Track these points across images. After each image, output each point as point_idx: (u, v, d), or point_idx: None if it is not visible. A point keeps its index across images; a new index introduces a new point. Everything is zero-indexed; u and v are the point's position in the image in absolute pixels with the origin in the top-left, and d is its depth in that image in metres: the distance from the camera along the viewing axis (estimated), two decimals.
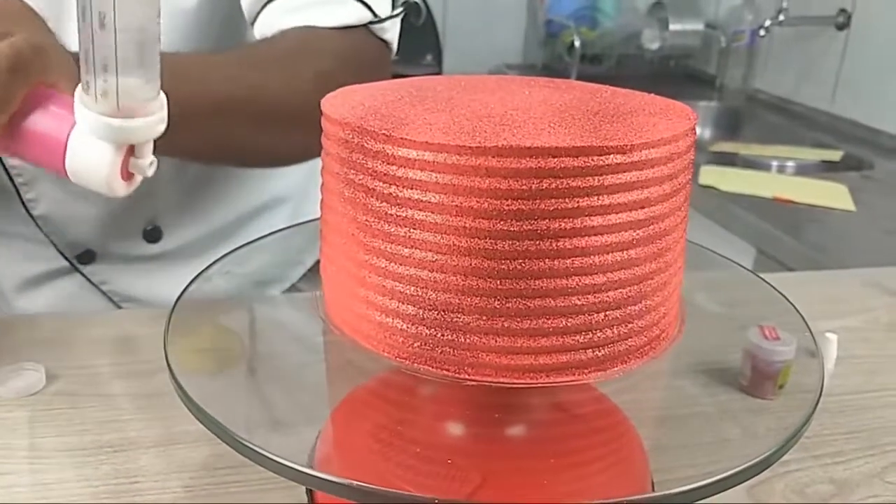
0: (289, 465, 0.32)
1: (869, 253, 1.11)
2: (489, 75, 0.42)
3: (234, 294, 0.49)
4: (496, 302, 0.32)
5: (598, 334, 0.33)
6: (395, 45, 0.67)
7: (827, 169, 1.53)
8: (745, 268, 0.53)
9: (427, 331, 0.33)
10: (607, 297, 0.32)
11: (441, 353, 0.33)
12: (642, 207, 0.32)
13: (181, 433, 0.49)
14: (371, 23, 0.63)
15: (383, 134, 0.32)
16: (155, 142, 0.40)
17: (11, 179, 0.66)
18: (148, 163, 0.39)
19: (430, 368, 0.33)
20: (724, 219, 1.25)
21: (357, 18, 0.62)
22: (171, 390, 0.36)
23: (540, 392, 0.39)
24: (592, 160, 0.30)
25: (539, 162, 0.30)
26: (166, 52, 0.38)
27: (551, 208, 0.30)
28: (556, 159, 0.30)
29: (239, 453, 0.33)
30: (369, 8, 0.62)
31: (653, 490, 0.40)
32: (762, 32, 1.84)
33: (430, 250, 0.32)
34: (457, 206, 0.31)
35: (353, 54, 0.62)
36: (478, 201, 0.31)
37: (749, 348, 0.52)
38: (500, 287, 0.31)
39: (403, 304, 0.33)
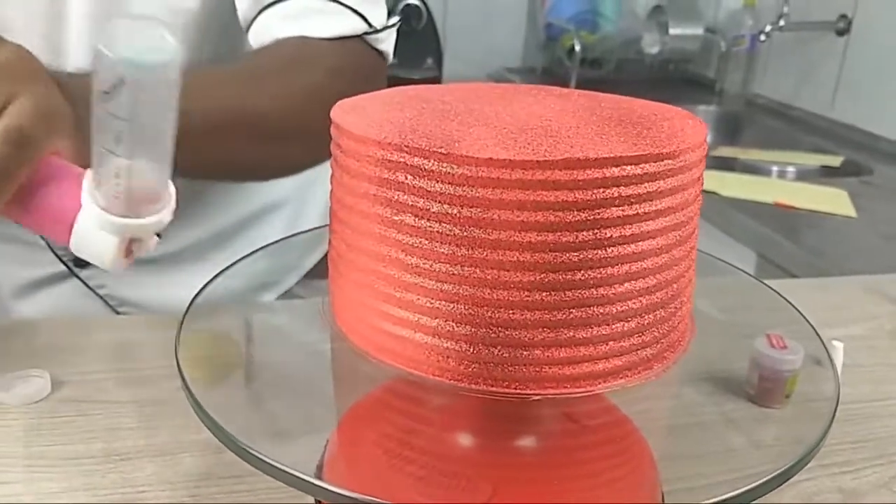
0: (298, 475, 0.32)
1: (869, 259, 1.11)
2: (486, 84, 0.42)
3: (231, 298, 0.49)
4: (559, 314, 0.32)
5: (648, 335, 0.34)
6: (390, 56, 0.67)
7: (827, 174, 1.53)
8: (749, 274, 0.53)
9: (486, 350, 0.32)
10: (656, 298, 0.33)
11: (503, 371, 0.32)
12: (682, 209, 0.34)
13: (188, 442, 0.49)
14: (366, 33, 0.63)
15: (439, 152, 0.30)
16: None
17: None
18: (152, 244, 0.40)
19: (491, 388, 0.33)
20: (724, 224, 1.25)
21: (352, 29, 0.61)
22: (178, 398, 0.36)
23: (550, 402, 0.39)
24: (650, 166, 0.31)
25: (603, 172, 0.30)
26: None
27: (614, 216, 0.31)
28: (618, 168, 0.31)
29: (248, 464, 0.33)
30: (365, 19, 0.62)
31: (662, 501, 0.40)
32: (762, 37, 1.84)
33: (493, 268, 0.31)
34: (521, 221, 0.30)
35: (347, 66, 0.61)
36: (543, 215, 0.30)
37: (756, 357, 0.52)
38: (563, 298, 0.31)
39: (459, 324, 0.32)
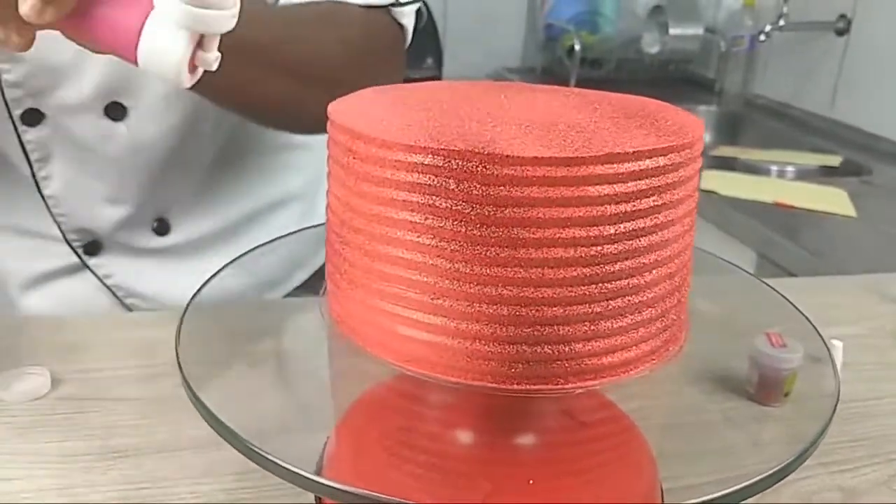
0: (299, 472, 0.32)
1: (868, 258, 1.11)
2: (477, 82, 0.42)
3: (238, 295, 0.49)
4: (598, 306, 0.32)
5: (668, 318, 0.35)
6: (409, 35, 0.70)
7: (826, 174, 1.53)
8: (748, 272, 0.53)
9: (529, 349, 0.32)
10: (675, 282, 0.35)
11: (545, 368, 0.32)
12: (691, 196, 0.35)
13: (188, 438, 0.49)
14: (392, 5, 0.66)
15: (482, 154, 0.30)
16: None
17: (27, 156, 0.66)
18: (214, 57, 0.40)
19: (533, 386, 0.33)
20: (724, 223, 1.25)
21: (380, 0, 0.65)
22: (177, 395, 0.36)
23: (549, 399, 0.39)
24: (676, 156, 0.32)
25: (638, 164, 0.31)
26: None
27: (647, 207, 0.32)
28: (651, 160, 0.31)
29: (250, 460, 0.33)
30: None
31: (662, 498, 0.40)
32: (762, 37, 1.84)
33: (537, 266, 0.31)
34: (565, 217, 0.30)
35: (375, 31, 0.65)
36: (586, 210, 0.31)
37: (755, 356, 0.52)
38: (602, 290, 0.32)
39: (501, 326, 0.32)
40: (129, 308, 0.75)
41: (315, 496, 0.43)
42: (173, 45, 0.38)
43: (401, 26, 0.68)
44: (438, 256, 0.32)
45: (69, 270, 0.74)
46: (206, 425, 0.35)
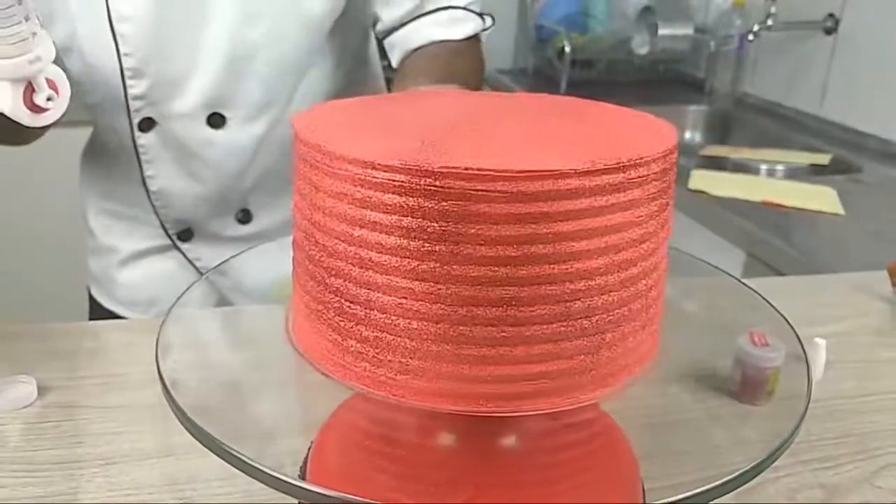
0: (281, 477, 0.32)
1: (857, 256, 1.11)
2: (442, 91, 0.43)
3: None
4: (561, 326, 0.32)
5: (638, 337, 0.35)
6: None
7: (816, 172, 1.53)
8: (731, 275, 0.54)
9: (490, 370, 0.32)
10: (646, 300, 0.35)
11: (507, 388, 0.33)
12: (659, 214, 0.34)
13: (173, 445, 0.49)
14: (484, 30, 0.80)
15: (447, 169, 0.30)
16: None
17: (139, 157, 0.76)
18: (44, 98, 0.47)
19: (496, 408, 0.33)
20: (713, 223, 1.26)
21: (475, 28, 0.79)
22: (162, 402, 0.36)
23: None
24: (636, 172, 0.32)
25: (604, 179, 0.31)
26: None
27: (615, 223, 0.32)
28: (618, 174, 0.31)
29: (233, 466, 0.33)
30: (482, 18, 0.80)
31: (644, 498, 0.41)
32: (751, 37, 1.85)
33: (500, 284, 0.31)
34: (529, 234, 0.31)
35: (479, 55, 0.81)
36: (549, 226, 0.31)
37: (739, 355, 0.52)
38: (567, 309, 0.32)
39: (463, 346, 0.32)
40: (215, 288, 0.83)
41: (298, 502, 0.43)
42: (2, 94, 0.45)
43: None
44: (396, 276, 0.31)
45: (161, 249, 0.84)
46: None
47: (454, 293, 0.31)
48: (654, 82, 2.16)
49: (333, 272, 0.33)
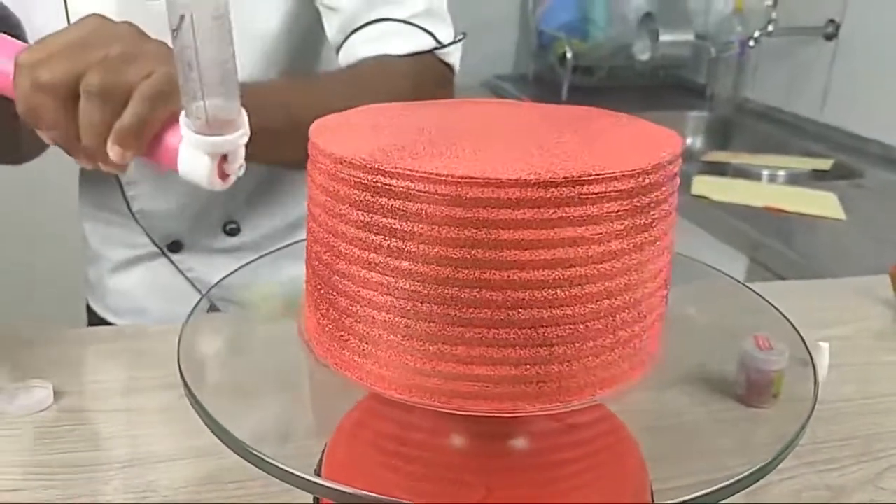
0: (297, 474, 0.33)
1: (859, 260, 1.12)
2: (463, 100, 0.44)
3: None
4: (569, 328, 0.33)
5: (639, 342, 0.36)
6: (457, 67, 0.77)
7: (817, 177, 1.54)
8: (733, 278, 0.54)
9: (500, 371, 0.33)
10: (650, 303, 0.36)
11: (516, 389, 0.33)
12: (665, 217, 0.35)
13: (189, 448, 0.50)
14: (435, 49, 0.73)
15: (455, 176, 0.31)
16: (248, 150, 0.48)
17: (118, 178, 0.78)
18: (237, 166, 0.49)
19: (506, 408, 0.34)
20: (716, 228, 1.27)
21: (424, 45, 0.72)
22: (178, 406, 0.37)
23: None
24: (655, 176, 0.33)
25: (613, 186, 0.32)
26: (262, 81, 0.48)
27: (621, 228, 0.32)
28: (627, 181, 0.32)
29: (251, 464, 0.34)
30: (434, 36, 0.73)
31: (652, 500, 0.41)
32: (751, 43, 1.86)
33: (506, 288, 0.32)
34: (535, 240, 0.31)
35: (423, 77, 0.72)
36: (556, 232, 0.31)
37: (744, 358, 0.53)
38: (575, 313, 0.33)
39: (471, 348, 0.33)
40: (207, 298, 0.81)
41: (314, 498, 0.44)
42: (200, 166, 0.47)
43: (447, 64, 0.75)
44: (356, 265, 0.33)
45: (152, 258, 0.85)
46: (207, 435, 0.36)
47: (402, 287, 0.33)
48: (656, 88, 2.18)
49: (315, 258, 0.36)
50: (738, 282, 0.50)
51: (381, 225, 0.32)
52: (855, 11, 1.68)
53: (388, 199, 0.32)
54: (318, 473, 0.42)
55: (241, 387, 0.46)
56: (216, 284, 0.48)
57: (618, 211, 0.32)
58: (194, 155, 0.47)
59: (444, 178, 0.31)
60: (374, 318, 0.34)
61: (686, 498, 0.31)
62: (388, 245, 0.32)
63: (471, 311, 0.32)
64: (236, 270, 0.50)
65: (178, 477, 0.48)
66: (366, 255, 0.33)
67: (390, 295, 0.33)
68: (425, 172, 0.31)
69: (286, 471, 0.33)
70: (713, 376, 0.54)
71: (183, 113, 0.47)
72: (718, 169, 1.62)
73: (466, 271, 0.31)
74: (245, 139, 0.48)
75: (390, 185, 0.32)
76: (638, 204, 0.32)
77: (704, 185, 1.36)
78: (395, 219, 0.32)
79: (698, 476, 0.39)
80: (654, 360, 0.37)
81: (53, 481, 0.47)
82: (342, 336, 0.35)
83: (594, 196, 0.31)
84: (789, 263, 1.12)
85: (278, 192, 0.84)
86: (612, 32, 2.18)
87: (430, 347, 0.33)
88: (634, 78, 2.18)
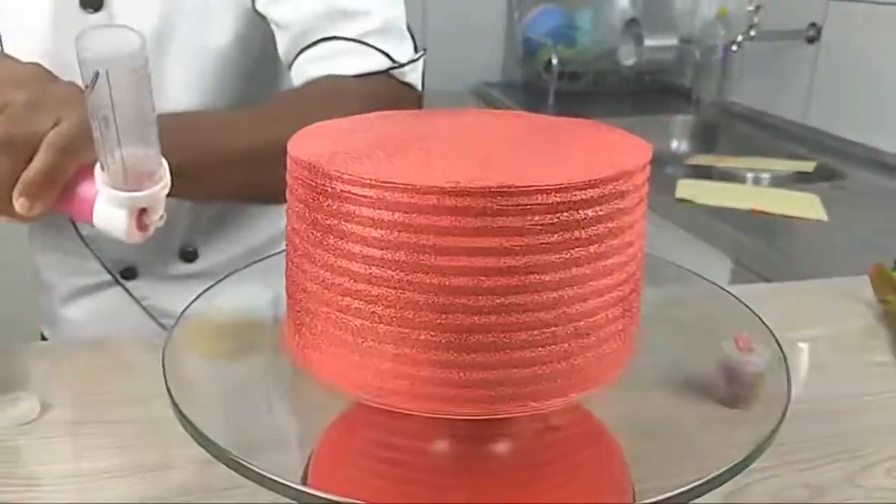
0: (284, 482, 0.33)
1: (841, 262, 1.13)
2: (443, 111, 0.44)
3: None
4: (537, 333, 0.33)
5: (613, 344, 0.37)
6: (419, 85, 0.73)
7: (801, 180, 1.56)
8: (711, 282, 0.55)
9: (469, 375, 0.34)
10: (619, 308, 0.36)
11: (484, 393, 0.34)
12: (632, 226, 0.36)
13: (178, 458, 0.50)
14: (391, 68, 0.69)
15: (423, 186, 0.32)
16: (177, 190, 0.47)
17: None
18: (157, 217, 0.48)
19: (478, 412, 0.35)
20: (700, 231, 1.28)
21: (377, 65, 0.68)
22: (164, 417, 0.37)
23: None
24: (612, 186, 0.33)
25: (574, 195, 0.32)
26: (192, 111, 0.41)
27: (585, 236, 0.33)
28: (588, 191, 0.33)
29: (238, 473, 0.35)
30: (388, 56, 0.68)
31: (633, 501, 0.42)
32: (735, 47, 1.87)
33: (473, 294, 0.33)
34: (498, 247, 0.32)
35: (374, 99, 0.66)
36: (520, 240, 0.32)
37: (723, 360, 0.54)
38: (540, 319, 0.33)
39: (443, 353, 0.33)
40: (163, 327, 0.81)
41: None
42: (118, 221, 0.46)
43: (407, 83, 0.70)
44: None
45: (108, 285, 0.81)
46: (194, 445, 0.36)
47: (343, 286, 0.34)
48: (641, 93, 2.19)
49: (288, 260, 0.38)
50: (717, 285, 0.50)
51: (324, 224, 0.34)
52: (835, 15, 1.70)
53: (328, 200, 0.34)
54: (304, 481, 0.43)
55: (227, 396, 0.47)
56: (181, 315, 0.47)
57: (543, 224, 0.32)
58: (111, 209, 0.46)
59: (369, 182, 0.32)
60: (322, 313, 0.35)
61: (661, 497, 0.32)
62: (331, 243, 0.34)
63: (401, 312, 0.33)
64: (198, 297, 0.48)
65: (165, 487, 0.48)
66: (313, 250, 0.35)
67: (331, 291, 0.35)
68: (356, 176, 0.32)
69: (274, 480, 0.34)
70: (693, 378, 0.55)
71: (98, 166, 0.44)
72: (703, 172, 1.63)
73: (392, 273, 0.33)
74: (165, 191, 0.46)
75: (329, 187, 0.33)
76: (569, 218, 0.32)
77: (689, 189, 1.38)
78: (335, 219, 0.34)
79: (681, 477, 0.40)
80: (604, 379, 0.37)
81: (42, 492, 0.47)
82: (302, 331, 0.37)
83: (515, 208, 0.31)
84: (773, 265, 1.13)
85: (242, 215, 0.82)
86: (598, 38, 2.20)
87: (373, 346, 0.34)
88: (620, 83, 2.19)
